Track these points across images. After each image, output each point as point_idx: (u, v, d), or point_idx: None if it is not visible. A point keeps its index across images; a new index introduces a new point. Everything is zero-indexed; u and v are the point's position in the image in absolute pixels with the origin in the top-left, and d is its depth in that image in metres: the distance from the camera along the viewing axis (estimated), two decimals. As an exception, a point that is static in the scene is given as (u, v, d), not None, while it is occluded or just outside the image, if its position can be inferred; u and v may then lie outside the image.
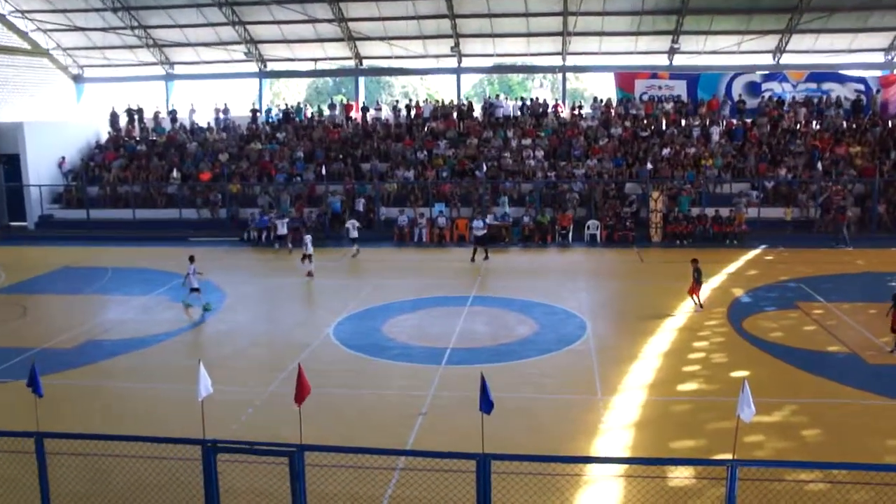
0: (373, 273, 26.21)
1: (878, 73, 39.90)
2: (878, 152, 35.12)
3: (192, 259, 21.56)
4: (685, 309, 20.69)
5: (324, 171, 36.02)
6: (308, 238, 26.03)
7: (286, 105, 44.93)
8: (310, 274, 25.33)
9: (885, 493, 10.33)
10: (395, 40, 41.06)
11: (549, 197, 34.04)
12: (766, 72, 40.12)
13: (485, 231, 28.52)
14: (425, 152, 37.42)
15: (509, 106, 41.40)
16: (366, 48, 42.54)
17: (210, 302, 21.37)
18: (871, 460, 11.63)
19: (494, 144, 37.71)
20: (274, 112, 43.25)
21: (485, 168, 35.14)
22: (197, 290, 21.13)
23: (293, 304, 22.61)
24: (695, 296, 20.58)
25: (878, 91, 38.87)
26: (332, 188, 35.53)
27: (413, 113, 41.22)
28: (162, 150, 39.74)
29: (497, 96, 44.29)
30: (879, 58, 40.32)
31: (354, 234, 29.45)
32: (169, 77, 44.98)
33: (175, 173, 37.71)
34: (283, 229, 31.31)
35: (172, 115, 42.87)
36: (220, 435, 10.35)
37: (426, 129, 39.57)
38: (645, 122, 38.65)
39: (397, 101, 44.27)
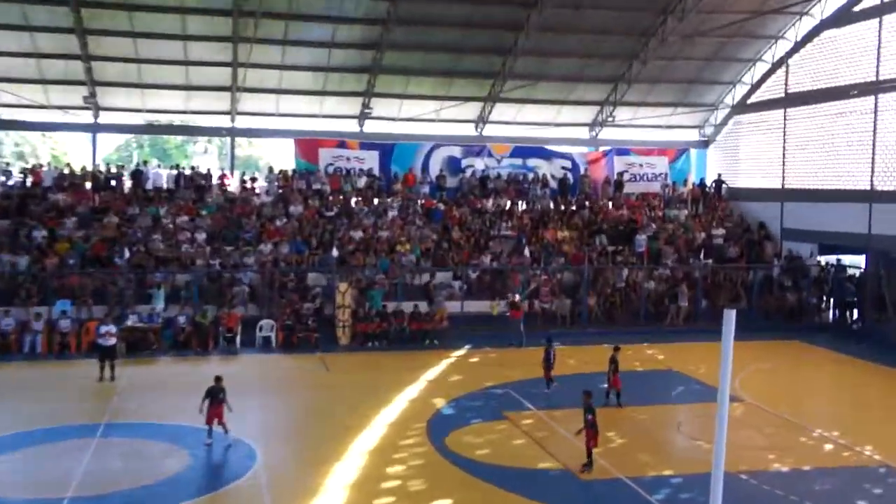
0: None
1: (585, 149, 44.66)
2: (586, 237, 39.04)
3: None
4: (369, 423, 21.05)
5: None
6: None
7: None
8: None
9: None
10: (5, 83, 38.67)
11: (212, 291, 33.55)
12: (469, 144, 43.28)
13: (115, 340, 26.54)
14: (45, 232, 35.27)
15: (163, 175, 40.82)
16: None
17: None
18: None
19: (142, 224, 36.70)
20: None
21: (127, 254, 33.96)
22: None
23: None
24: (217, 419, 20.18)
25: (585, 169, 43.50)
26: None
27: (30, 180, 39.23)
28: None
29: (145, 162, 43.37)
30: (585, 133, 45.18)
31: None
32: None
33: None
34: None
35: None
36: None
37: (48, 201, 37.50)
38: (331, 199, 39.89)
39: (7, 164, 41.50)
